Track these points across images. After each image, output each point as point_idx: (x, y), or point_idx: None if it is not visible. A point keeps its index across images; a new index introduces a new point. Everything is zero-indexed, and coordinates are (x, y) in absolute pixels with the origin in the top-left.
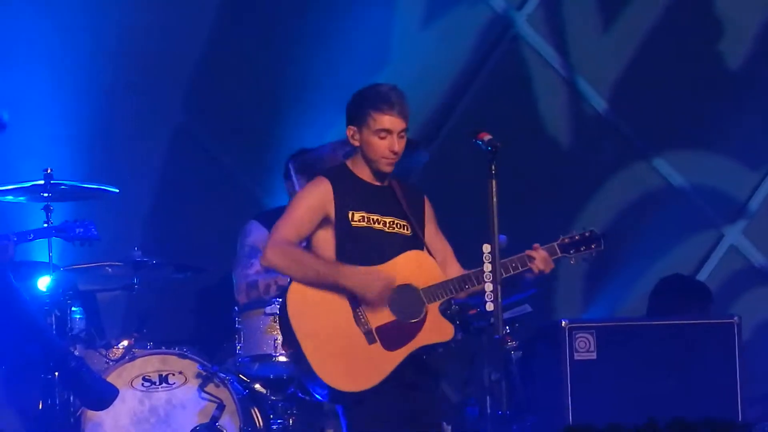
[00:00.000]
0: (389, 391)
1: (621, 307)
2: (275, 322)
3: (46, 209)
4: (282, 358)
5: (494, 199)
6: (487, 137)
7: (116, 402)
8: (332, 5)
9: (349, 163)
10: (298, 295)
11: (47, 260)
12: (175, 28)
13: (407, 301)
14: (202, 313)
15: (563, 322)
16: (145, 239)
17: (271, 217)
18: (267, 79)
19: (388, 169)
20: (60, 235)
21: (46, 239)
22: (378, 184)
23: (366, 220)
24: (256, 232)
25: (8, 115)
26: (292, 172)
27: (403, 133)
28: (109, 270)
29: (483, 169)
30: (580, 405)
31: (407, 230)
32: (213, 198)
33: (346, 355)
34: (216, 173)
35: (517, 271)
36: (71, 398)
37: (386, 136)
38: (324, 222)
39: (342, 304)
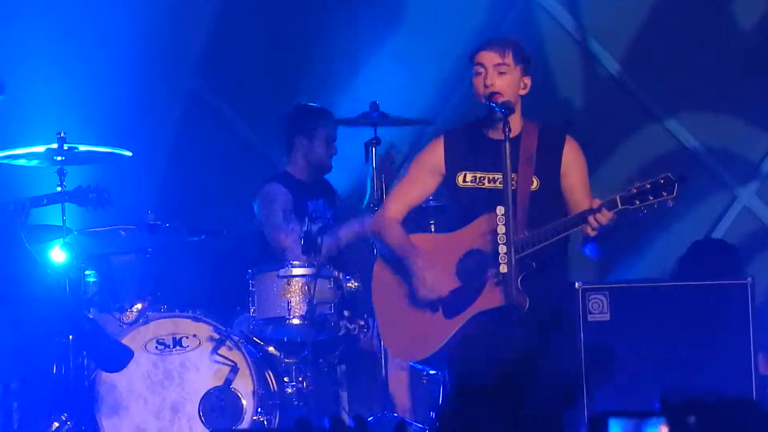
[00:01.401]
0: (455, 352)
1: (635, 270)
2: (288, 284)
3: (60, 173)
4: (296, 321)
5: (508, 161)
6: (501, 99)
7: (130, 365)
8: None
9: (481, 121)
10: (379, 273)
11: (60, 224)
12: None
13: (473, 266)
14: (215, 276)
15: (577, 284)
16: (158, 202)
17: (285, 178)
18: (279, 43)
19: (490, 114)
20: (73, 200)
21: (60, 204)
22: (502, 137)
23: (477, 180)
24: (282, 196)
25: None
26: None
27: (502, 68)
28: (123, 233)
29: None
30: (593, 366)
31: (532, 185)
32: (226, 161)
33: (409, 328)
34: (229, 136)
35: (572, 229)
36: (85, 361)
37: (481, 71)
38: (444, 181)
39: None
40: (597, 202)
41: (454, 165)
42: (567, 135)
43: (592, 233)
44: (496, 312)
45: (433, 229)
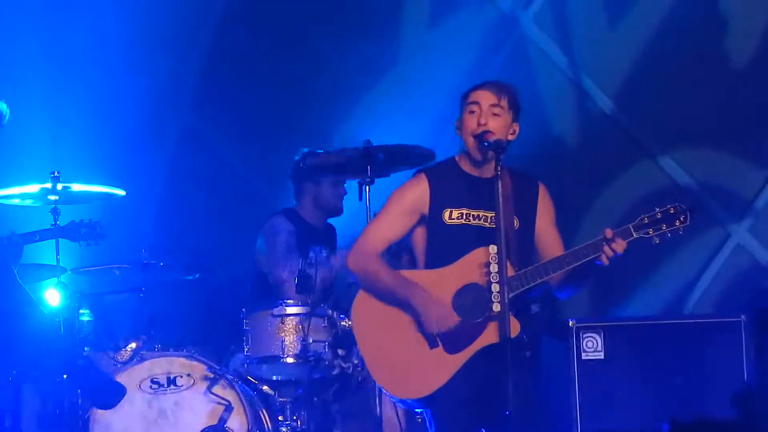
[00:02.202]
0: (461, 390)
1: (630, 308)
2: (282, 323)
3: (54, 212)
4: (290, 360)
5: (500, 199)
6: (493, 137)
7: (124, 404)
8: (340, 6)
9: (457, 157)
10: (361, 308)
11: (54, 263)
12: (182, 29)
13: (472, 301)
14: (209, 314)
15: (571, 322)
16: (152, 241)
17: (292, 215)
18: (274, 80)
19: (476, 154)
20: (66, 235)
21: (53, 240)
22: (483, 176)
23: (464, 216)
24: (285, 230)
25: (7, 107)
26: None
27: (497, 110)
28: (117, 272)
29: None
30: (588, 405)
31: (515, 224)
32: (220, 199)
33: (407, 364)
34: (224, 175)
35: (588, 258)
36: (79, 400)
37: (475, 109)
38: (421, 220)
39: (405, 312)
40: (610, 232)
41: (439, 203)
42: (539, 182)
43: (606, 262)
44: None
45: (403, 263)
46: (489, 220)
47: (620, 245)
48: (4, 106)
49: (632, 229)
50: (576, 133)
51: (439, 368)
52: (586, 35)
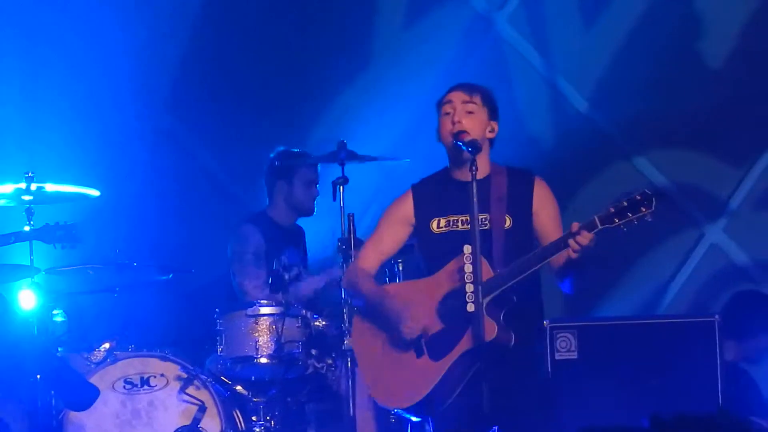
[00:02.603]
0: (448, 395)
1: (604, 308)
2: (257, 323)
3: (28, 212)
4: (264, 360)
5: (475, 199)
6: (468, 137)
7: (98, 404)
8: (314, 7)
9: (448, 167)
10: (358, 324)
11: (28, 263)
12: (157, 31)
13: (455, 306)
14: (183, 314)
15: (545, 322)
16: (127, 242)
17: (262, 219)
18: (249, 82)
19: (454, 155)
20: (41, 238)
21: (27, 242)
22: (469, 179)
23: (451, 224)
24: (253, 239)
25: None
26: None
27: (470, 107)
28: (91, 272)
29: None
30: (562, 404)
31: (505, 224)
32: (195, 200)
33: (396, 373)
34: (198, 175)
35: (552, 254)
36: (53, 401)
37: (449, 110)
38: (415, 231)
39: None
40: (576, 225)
41: (424, 214)
42: (535, 176)
43: (574, 255)
44: (481, 350)
45: (401, 268)
46: (477, 223)
47: (585, 237)
48: None
49: (597, 221)
50: (551, 133)
51: (426, 376)
52: (561, 36)
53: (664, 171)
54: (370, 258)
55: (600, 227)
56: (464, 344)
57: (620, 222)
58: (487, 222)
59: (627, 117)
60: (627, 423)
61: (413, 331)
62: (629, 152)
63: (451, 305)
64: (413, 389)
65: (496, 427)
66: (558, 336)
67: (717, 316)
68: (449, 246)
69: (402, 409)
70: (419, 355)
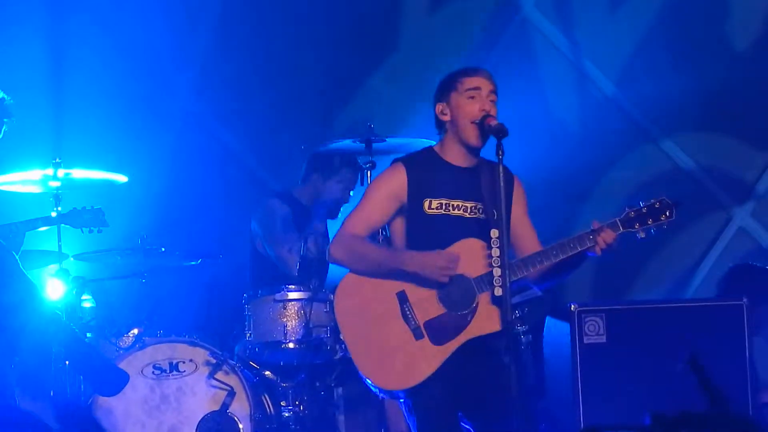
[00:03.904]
0: (444, 381)
1: (632, 291)
2: (285, 308)
3: (56, 198)
4: (292, 345)
5: (501, 183)
6: (494, 122)
7: (127, 390)
8: None
9: (436, 147)
10: (346, 294)
11: (56, 250)
12: (186, 16)
13: (457, 292)
14: (211, 300)
15: (572, 306)
16: (154, 227)
17: (287, 196)
18: (275, 67)
19: (475, 140)
20: (68, 222)
21: (55, 227)
22: (465, 165)
23: (444, 206)
24: (280, 210)
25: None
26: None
27: (493, 96)
28: (119, 258)
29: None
30: (590, 389)
31: (493, 216)
32: (222, 185)
33: (391, 354)
34: (225, 161)
35: (576, 251)
36: (82, 386)
37: (476, 95)
38: (400, 209)
39: (390, 301)
40: (598, 224)
41: (418, 192)
42: (514, 175)
43: (599, 252)
44: (490, 337)
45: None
46: (468, 210)
47: (610, 235)
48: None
49: (619, 224)
50: (577, 116)
51: (425, 359)
52: (588, 19)
53: (690, 154)
54: (360, 228)
55: (622, 230)
56: (471, 330)
57: (640, 227)
58: (482, 211)
59: (653, 100)
60: (655, 408)
61: (449, 269)
62: (656, 135)
63: (453, 290)
64: (411, 372)
65: (460, 413)
66: (586, 320)
67: (745, 299)
68: (440, 229)
69: (386, 389)
70: (418, 337)
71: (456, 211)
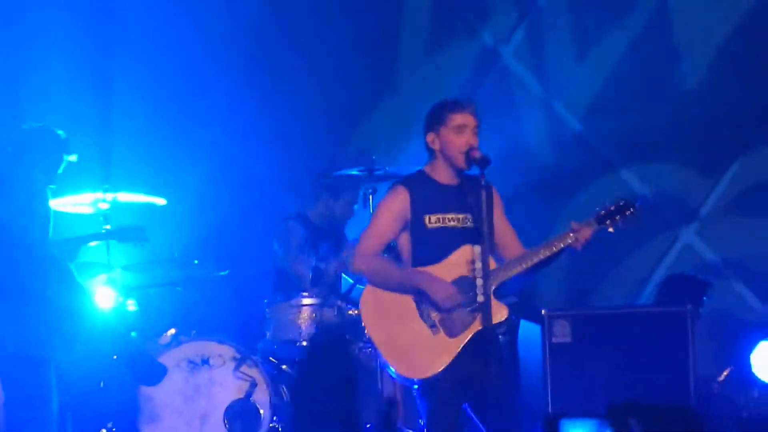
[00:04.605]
0: (454, 374)
1: (593, 298)
2: (299, 312)
3: (105, 217)
4: (305, 343)
5: (484, 205)
6: (478, 154)
7: (165, 381)
8: (346, 37)
9: (426, 168)
10: (369, 302)
11: (106, 261)
12: (211, 60)
13: (464, 292)
14: (236, 304)
15: (543, 311)
16: (188, 242)
17: (301, 217)
18: (291, 103)
19: (463, 166)
20: (115, 237)
21: (104, 242)
22: (453, 183)
23: (441, 220)
24: (296, 232)
25: (64, 133)
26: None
27: (476, 130)
28: (159, 269)
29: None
30: (558, 383)
31: (486, 227)
32: (246, 207)
33: (413, 348)
34: (248, 185)
35: (560, 248)
36: (127, 378)
37: (463, 131)
38: (405, 225)
39: (408, 304)
40: (576, 224)
41: (419, 210)
42: (492, 185)
43: (579, 248)
44: (484, 333)
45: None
46: (460, 221)
47: (587, 232)
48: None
49: (594, 222)
50: (548, 149)
51: (443, 351)
52: (558, 66)
53: (645, 181)
54: (376, 246)
55: (597, 227)
56: (477, 324)
57: (611, 223)
58: (470, 221)
59: (614, 135)
60: (614, 399)
61: (448, 304)
62: (616, 166)
63: (460, 290)
64: (433, 362)
65: (465, 405)
66: (555, 323)
67: (689, 306)
68: (441, 239)
69: (409, 378)
70: (435, 332)
71: (451, 223)
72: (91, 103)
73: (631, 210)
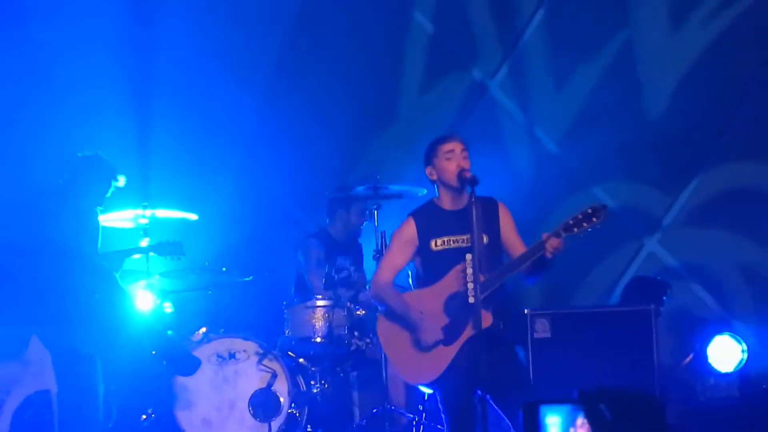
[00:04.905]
0: (459, 367)
1: (569, 299)
2: (314, 313)
3: (144, 231)
4: (319, 339)
5: (475, 219)
6: (468, 175)
7: (198, 372)
8: (353, 73)
9: (434, 199)
10: (383, 331)
11: (146, 269)
12: (236, 90)
13: (458, 305)
14: (259, 306)
15: (526, 310)
16: (217, 252)
17: (322, 234)
18: (307, 133)
19: (458, 186)
20: (156, 251)
21: (145, 254)
22: (457, 208)
23: (446, 242)
24: (315, 249)
25: (125, 178)
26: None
27: (465, 153)
28: (192, 275)
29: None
30: (539, 373)
31: (485, 240)
32: (268, 221)
33: (417, 358)
34: (270, 202)
35: (533, 257)
36: (165, 370)
37: (451, 156)
38: (416, 250)
39: (409, 330)
40: (546, 235)
41: (425, 236)
42: (498, 201)
43: (550, 256)
44: (481, 334)
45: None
46: (464, 241)
47: (555, 242)
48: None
49: (561, 231)
50: (530, 170)
51: (441, 358)
52: (538, 97)
53: (613, 197)
54: (387, 273)
55: (564, 235)
56: (468, 332)
57: (578, 231)
58: (482, 239)
59: (586, 157)
60: (589, 387)
61: (429, 340)
62: (587, 183)
63: (455, 303)
64: (432, 369)
65: (479, 391)
66: (536, 320)
67: (653, 306)
68: (446, 259)
69: (419, 383)
70: (435, 345)
71: (455, 244)
72: (132, 130)
73: (597, 217)
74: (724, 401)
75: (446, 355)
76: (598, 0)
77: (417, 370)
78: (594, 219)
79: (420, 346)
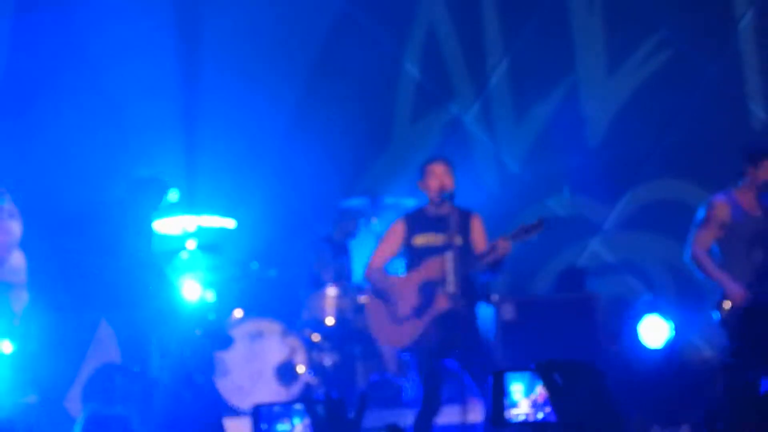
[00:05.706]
0: (428, 339)
1: (530, 287)
2: (325, 299)
3: (191, 236)
4: (330, 321)
5: (453, 223)
6: (447, 191)
7: (233, 348)
8: (354, 107)
9: (423, 206)
10: (369, 308)
11: (191, 264)
12: (264, 108)
13: (429, 289)
14: (282, 294)
15: (494, 296)
16: (250, 250)
17: (331, 239)
18: (313, 156)
19: (438, 199)
20: (200, 250)
21: (192, 253)
22: (440, 213)
23: (427, 239)
24: (324, 249)
25: (178, 193)
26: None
27: (448, 173)
28: (229, 269)
29: None
30: (506, 350)
31: (457, 241)
32: (288, 227)
33: (394, 328)
34: (290, 213)
35: (491, 255)
36: (207, 346)
37: (434, 175)
38: (402, 244)
39: (389, 305)
40: (501, 239)
41: (410, 233)
42: (473, 213)
43: (501, 256)
44: (445, 313)
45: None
46: (440, 240)
47: (505, 244)
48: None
49: (510, 237)
50: (497, 186)
51: (413, 328)
52: (504, 127)
53: (564, 208)
54: (378, 260)
55: (512, 240)
56: (435, 309)
57: (522, 238)
58: (456, 240)
59: (541, 175)
60: (543, 360)
61: (404, 313)
62: (542, 196)
63: (428, 286)
64: (407, 336)
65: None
66: (503, 305)
67: (595, 293)
68: (425, 254)
69: (395, 348)
70: (408, 318)
71: (434, 241)
72: (177, 147)
73: (538, 228)
74: (655, 374)
75: (417, 326)
76: (550, 51)
77: (393, 337)
78: (534, 231)
79: (396, 318)
